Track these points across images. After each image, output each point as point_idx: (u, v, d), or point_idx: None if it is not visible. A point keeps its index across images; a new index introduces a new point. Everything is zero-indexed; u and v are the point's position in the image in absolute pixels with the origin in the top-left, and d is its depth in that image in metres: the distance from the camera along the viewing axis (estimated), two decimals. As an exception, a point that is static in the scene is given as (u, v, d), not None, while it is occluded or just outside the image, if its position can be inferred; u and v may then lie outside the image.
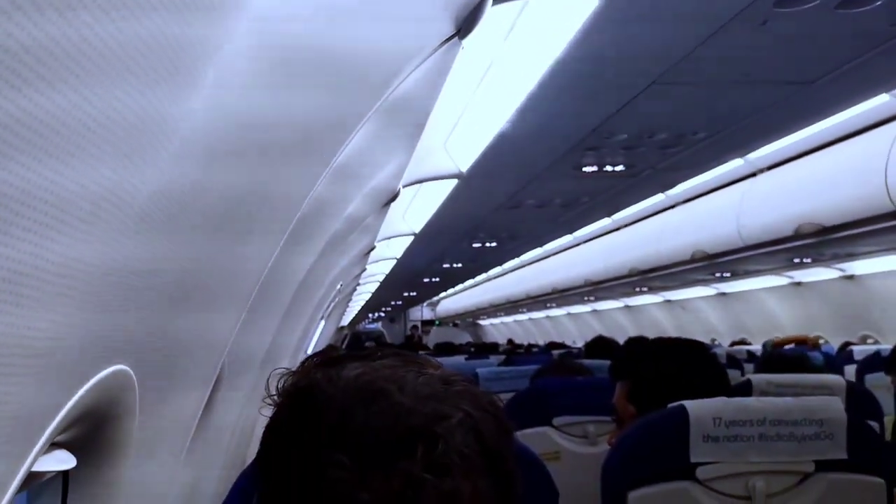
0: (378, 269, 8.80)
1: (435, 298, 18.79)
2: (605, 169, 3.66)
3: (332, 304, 6.15)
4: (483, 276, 12.12)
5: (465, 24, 1.35)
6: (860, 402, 2.62)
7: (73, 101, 0.51)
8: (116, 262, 0.73)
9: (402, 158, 2.33)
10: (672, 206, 6.37)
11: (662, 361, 1.68)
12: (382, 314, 22.41)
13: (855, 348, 5.99)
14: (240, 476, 0.91)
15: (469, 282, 13.25)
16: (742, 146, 3.60)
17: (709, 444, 1.42)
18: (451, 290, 15.37)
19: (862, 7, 1.86)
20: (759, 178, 5.16)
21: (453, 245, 6.84)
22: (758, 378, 2.33)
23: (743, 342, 8.42)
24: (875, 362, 4.06)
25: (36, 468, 0.77)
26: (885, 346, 4.95)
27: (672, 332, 10.12)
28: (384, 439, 0.61)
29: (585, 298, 11.67)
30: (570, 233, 7.15)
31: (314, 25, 1.00)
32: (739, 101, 2.67)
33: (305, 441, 0.63)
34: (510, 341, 14.03)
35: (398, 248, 6.98)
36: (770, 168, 5.01)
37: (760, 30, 1.99)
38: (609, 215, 6.04)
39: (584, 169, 3.69)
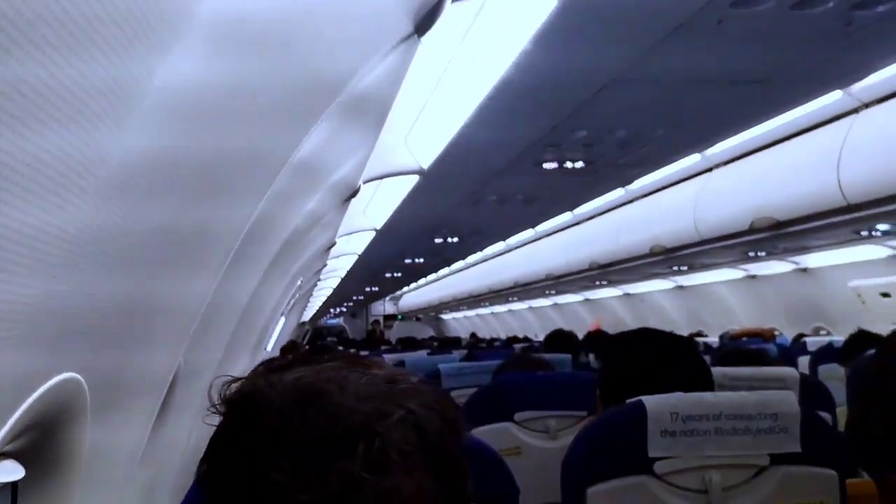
0: (339, 265, 8.75)
1: (398, 293, 18.75)
2: (565, 166, 3.69)
3: (293, 301, 6.10)
4: (446, 270, 12.13)
5: (424, 22, 1.34)
6: (813, 393, 2.68)
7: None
8: (60, 281, 0.71)
9: (363, 154, 2.32)
10: (631, 201, 6.45)
11: (632, 355, 1.68)
12: (344, 309, 22.31)
13: (808, 340, 6.14)
14: (191, 488, 0.89)
15: (432, 276, 13.25)
16: (700, 143, 3.66)
17: (666, 438, 1.44)
18: (413, 285, 15.35)
19: (816, 8, 1.89)
20: (715, 173, 5.25)
21: (415, 240, 6.83)
22: (714, 371, 2.37)
23: (700, 334, 8.58)
24: (828, 353, 4.15)
25: (-17, 479, 0.75)
26: (838, 338, 5.07)
27: (632, 325, 10.25)
28: (323, 440, 0.61)
29: (547, 292, 11.77)
30: (532, 227, 7.19)
31: (271, 20, 0.99)
32: (697, 99, 2.70)
33: (246, 447, 0.63)
34: (473, 335, 14.08)
35: (359, 243, 6.94)
36: (726, 163, 5.10)
37: (716, 29, 2.02)
38: (570, 210, 6.09)
39: (545, 166, 3.71)
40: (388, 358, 3.67)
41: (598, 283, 9.63)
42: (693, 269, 7.80)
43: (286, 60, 1.10)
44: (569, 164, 3.65)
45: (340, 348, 7.18)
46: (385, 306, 22.57)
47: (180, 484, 2.02)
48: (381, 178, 3.69)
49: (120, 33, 0.59)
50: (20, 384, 0.77)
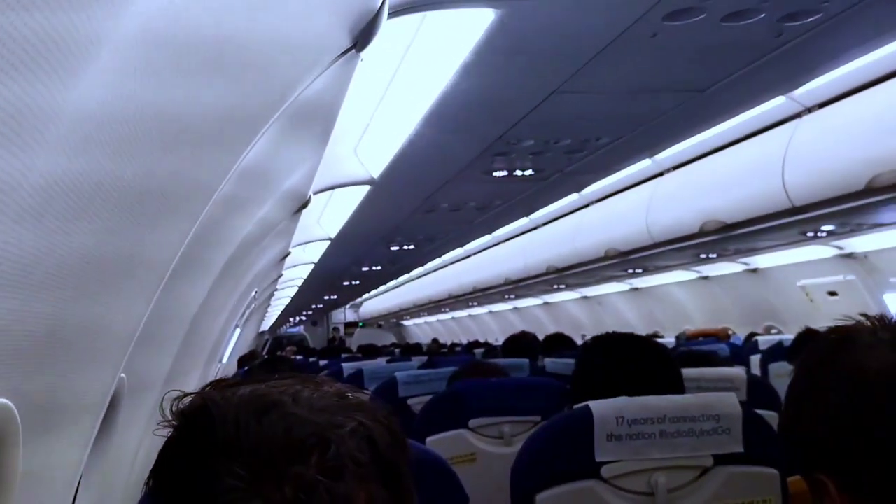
0: (296, 274, 8.68)
1: (358, 300, 18.65)
2: (514, 174, 3.72)
3: (248, 311, 6.02)
4: (406, 276, 12.11)
5: (362, 38, 1.35)
6: (760, 393, 2.74)
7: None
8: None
9: (312, 164, 2.31)
10: (586, 206, 6.52)
11: (602, 359, 1.70)
12: (304, 318, 22.11)
13: (760, 339, 6.27)
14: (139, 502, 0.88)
15: (392, 283, 13.22)
16: (645, 149, 3.73)
17: (612, 442, 1.45)
18: (373, 292, 15.29)
19: (746, 20, 1.94)
20: (666, 177, 5.33)
21: (371, 248, 6.81)
22: (664, 375, 2.40)
23: (656, 335, 8.70)
24: (778, 352, 4.24)
25: None
26: (788, 336, 5.19)
27: (589, 327, 10.38)
28: (278, 448, 0.61)
29: (506, 297, 11.83)
30: (489, 233, 7.22)
31: (209, 38, 0.98)
32: (637, 108, 2.75)
33: (200, 455, 0.63)
34: (434, 340, 14.08)
35: (315, 252, 6.89)
36: (676, 168, 5.19)
37: (651, 42, 2.06)
38: (524, 216, 6.13)
39: (495, 174, 3.74)
40: (347, 366, 3.65)
41: (555, 286, 9.71)
42: (647, 271, 7.92)
43: (225, 74, 1.09)
44: (518, 172, 3.69)
45: (300, 357, 7.11)
46: (346, 314, 22.42)
47: (129, 502, 1.98)
48: (332, 188, 3.67)
49: (34, 53, 0.58)
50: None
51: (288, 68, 1.26)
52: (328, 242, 5.97)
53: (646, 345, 1.74)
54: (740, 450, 1.47)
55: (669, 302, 9.10)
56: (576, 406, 1.50)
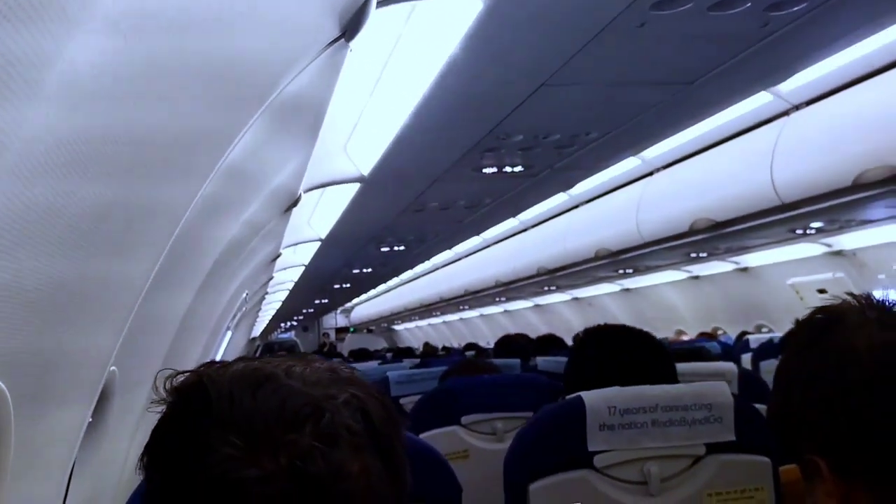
0: (286, 277, 8.66)
1: (348, 305, 18.63)
2: (504, 170, 3.73)
3: (239, 314, 6.00)
4: (396, 280, 12.10)
5: (351, 26, 1.34)
6: (752, 387, 2.75)
7: None
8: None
9: (301, 161, 2.30)
10: (576, 206, 6.53)
11: (594, 350, 1.71)
12: (295, 323, 22.05)
13: (751, 337, 6.29)
14: (140, 483, 0.87)
15: (382, 287, 13.20)
16: (634, 145, 3.74)
17: (605, 432, 1.45)
18: (364, 296, 15.27)
19: (733, 9, 1.95)
20: (656, 176, 5.35)
21: (361, 250, 6.80)
22: (655, 370, 2.40)
23: (648, 335, 8.69)
24: (769, 349, 4.25)
25: None
26: (779, 334, 5.21)
27: (581, 329, 10.37)
28: (272, 418, 0.62)
29: (497, 299, 11.83)
30: (477, 234, 7.23)
31: (187, 27, 0.97)
32: (626, 101, 2.76)
33: (194, 428, 0.63)
34: (426, 345, 14.06)
35: (305, 254, 6.88)
36: (666, 167, 5.21)
37: (639, 32, 2.07)
38: (513, 216, 6.14)
39: (484, 170, 3.75)
40: (338, 369, 3.63)
41: (546, 288, 9.72)
42: (638, 271, 7.94)
43: (206, 65, 1.08)
44: (508, 169, 3.70)
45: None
46: (337, 319, 22.39)
47: (123, 496, 1.96)
48: (322, 186, 3.67)
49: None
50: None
51: (274, 58, 1.25)
52: (319, 243, 5.96)
53: (639, 336, 1.75)
54: (732, 438, 1.47)
55: (660, 302, 9.13)
56: (568, 396, 1.50)
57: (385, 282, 11.63)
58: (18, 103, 0.65)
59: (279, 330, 22.13)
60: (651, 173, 5.37)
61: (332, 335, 22.15)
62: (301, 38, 1.28)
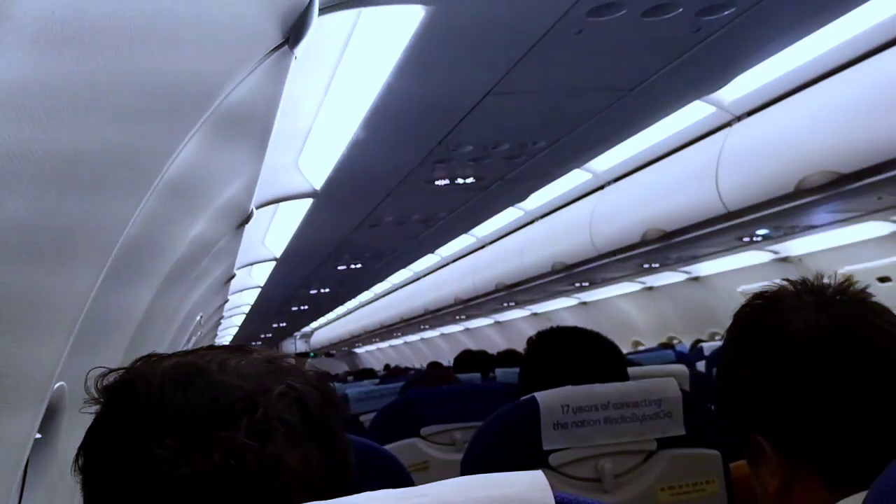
0: (243, 300, 8.54)
1: (308, 329, 18.43)
2: (456, 182, 3.77)
3: (194, 338, 5.90)
4: (355, 302, 12.03)
5: (294, 33, 1.35)
6: (703, 387, 2.80)
7: None
8: None
9: (250, 176, 2.28)
10: (531, 222, 6.61)
11: (545, 352, 1.72)
12: (253, 349, 21.68)
13: (704, 345, 6.40)
14: None
15: (342, 310, 13.11)
16: (581, 154, 3.81)
17: (559, 430, 1.46)
18: (323, 320, 15.13)
19: (665, 15, 2.00)
20: (607, 190, 5.45)
21: (318, 268, 6.76)
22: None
23: (605, 348, 8.76)
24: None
25: None
26: (731, 341, 5.27)
27: (540, 344, 10.41)
28: (204, 415, 0.61)
29: (457, 317, 11.84)
30: (434, 250, 7.24)
31: (123, 36, 0.95)
32: (570, 108, 2.82)
33: (127, 428, 0.62)
34: (387, 366, 13.99)
35: (261, 275, 6.81)
36: (616, 180, 5.31)
37: (577, 39, 2.11)
38: (469, 230, 6.18)
39: (437, 182, 3.78)
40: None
41: (505, 304, 9.77)
42: (594, 284, 8.03)
43: (143, 73, 1.06)
44: (460, 180, 3.74)
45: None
46: (296, 345, 22.11)
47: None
48: (274, 201, 3.64)
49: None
50: None
51: (213, 66, 1.24)
52: (274, 263, 5.91)
53: (591, 338, 1.77)
54: (682, 433, 1.49)
55: (616, 314, 9.24)
56: (522, 398, 1.51)
57: (344, 302, 11.55)
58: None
59: (237, 357, 21.73)
60: (602, 187, 5.47)
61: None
62: (242, 45, 1.27)
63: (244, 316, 10.43)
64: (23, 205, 0.92)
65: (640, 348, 8.27)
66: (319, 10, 1.35)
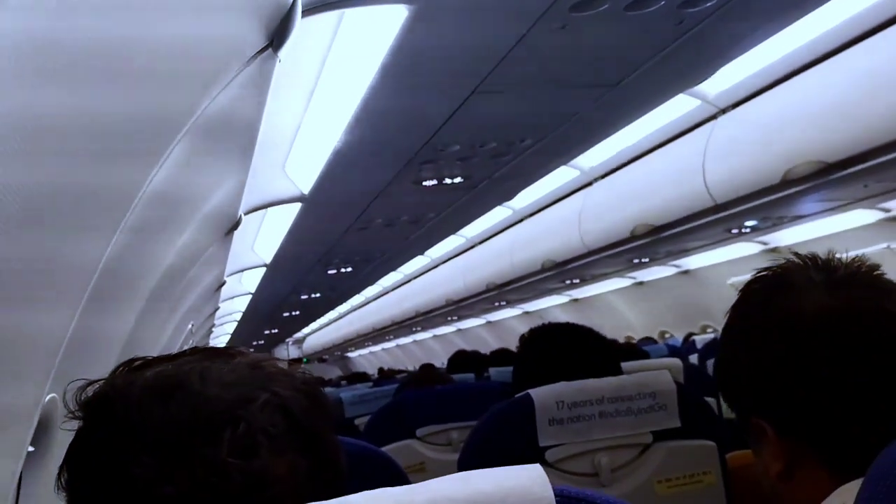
0: (234, 307, 8.52)
1: (300, 335, 18.39)
2: (444, 182, 3.77)
3: (187, 347, 5.86)
4: (347, 306, 12.01)
5: (277, 36, 1.34)
6: (698, 381, 2.81)
7: None
8: None
9: (237, 182, 2.27)
10: (520, 221, 6.62)
11: (537, 348, 1.72)
12: (246, 357, 21.60)
13: (697, 338, 6.42)
14: None
15: (333, 314, 13.09)
16: (568, 151, 3.82)
17: (554, 427, 1.46)
18: (315, 325, 15.10)
19: (648, 8, 2.01)
20: (595, 186, 5.46)
21: (308, 273, 6.74)
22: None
23: (598, 344, 8.78)
24: (714, 348, 4.32)
25: None
26: (723, 333, 5.29)
27: (533, 343, 10.44)
28: (186, 431, 0.59)
29: (449, 318, 11.84)
30: (423, 252, 7.24)
31: (103, 42, 0.94)
32: (555, 105, 2.82)
33: (106, 447, 0.60)
34: (381, 370, 13.97)
35: (252, 282, 6.79)
36: (604, 176, 5.32)
37: (561, 34, 2.12)
38: (458, 230, 6.18)
39: (425, 183, 3.77)
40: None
41: (496, 303, 9.77)
42: (585, 281, 8.04)
43: (126, 80, 1.05)
44: (448, 180, 3.74)
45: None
46: (289, 350, 22.04)
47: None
48: (262, 207, 3.63)
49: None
50: None
51: (197, 71, 1.23)
52: (264, 269, 5.89)
53: (583, 333, 1.77)
54: (677, 425, 1.49)
55: (608, 310, 9.26)
56: (516, 395, 1.51)
57: (335, 307, 11.53)
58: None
59: (230, 365, 21.65)
60: (590, 183, 5.48)
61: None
62: (225, 51, 1.26)
63: (236, 323, 10.39)
64: (1, 239, 0.90)
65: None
66: (303, 11, 1.34)
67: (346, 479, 0.68)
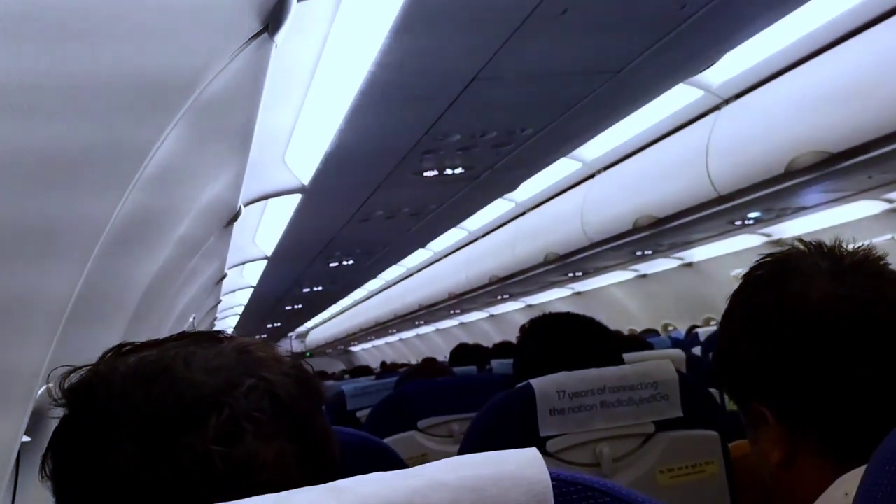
0: (236, 301, 8.52)
1: (303, 329, 18.44)
2: (445, 172, 3.75)
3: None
4: (350, 300, 12.03)
5: (273, 19, 1.32)
6: (700, 371, 2.79)
7: None
8: None
9: (236, 172, 2.25)
10: (522, 213, 6.60)
11: (539, 338, 1.71)
12: (249, 352, 21.67)
13: (700, 330, 6.40)
14: None
15: (336, 308, 13.10)
16: (570, 140, 3.79)
17: (555, 417, 1.45)
18: (318, 319, 15.13)
19: (650, -9, 1.99)
20: (598, 178, 5.44)
21: (310, 266, 6.74)
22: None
23: (601, 337, 8.78)
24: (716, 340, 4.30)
25: None
26: (726, 325, 5.29)
27: (536, 336, 10.44)
28: (169, 417, 0.58)
29: (451, 312, 11.84)
30: (425, 244, 7.23)
31: (94, 27, 0.92)
32: (557, 93, 2.80)
33: (89, 434, 0.59)
34: (384, 363, 14.00)
35: (253, 275, 6.79)
36: (606, 168, 5.30)
37: (562, 20, 2.09)
38: (459, 222, 6.17)
39: (426, 174, 3.76)
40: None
41: (499, 297, 9.77)
42: (587, 273, 8.03)
43: (116, 64, 1.03)
44: (448, 171, 3.72)
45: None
46: (292, 345, 22.09)
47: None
48: (262, 198, 3.62)
49: None
50: None
51: (191, 56, 1.21)
52: (265, 262, 5.88)
53: (584, 322, 1.76)
54: (680, 414, 1.48)
55: (611, 303, 9.25)
56: (517, 385, 1.49)
57: (337, 300, 11.54)
58: None
59: (233, 359, 21.73)
60: (593, 175, 5.46)
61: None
62: (219, 34, 1.24)
63: (238, 317, 10.41)
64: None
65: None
66: (298, -6, 1.33)
67: (338, 464, 0.66)
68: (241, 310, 9.49)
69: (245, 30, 1.29)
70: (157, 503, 0.56)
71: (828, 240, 0.91)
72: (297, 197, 3.83)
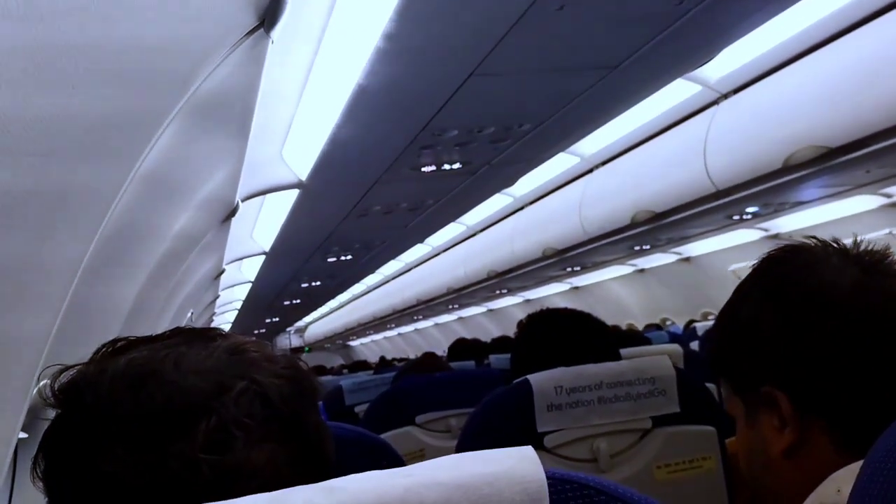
0: (234, 296, 8.52)
1: (302, 324, 18.43)
2: (443, 168, 3.75)
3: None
4: (348, 294, 12.03)
5: (269, 15, 1.32)
6: (697, 366, 2.79)
7: None
8: None
9: (233, 167, 2.25)
10: (521, 208, 6.60)
11: (536, 333, 1.72)
12: (247, 345, 21.68)
13: (698, 325, 6.41)
14: None
15: (335, 303, 13.10)
16: (568, 136, 3.79)
17: (553, 412, 1.45)
18: (317, 314, 15.12)
19: (647, -14, 1.98)
20: (596, 173, 5.44)
21: (308, 261, 6.73)
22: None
23: (599, 331, 8.79)
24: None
25: None
26: (724, 320, 5.30)
27: (534, 330, 10.46)
28: (157, 423, 0.57)
29: (450, 307, 11.85)
30: (423, 240, 7.23)
31: (91, 19, 0.92)
32: (555, 88, 2.79)
33: (78, 437, 0.59)
34: (382, 358, 14.01)
35: (251, 270, 6.79)
36: (604, 163, 5.30)
37: (560, 15, 2.08)
38: (458, 217, 6.17)
39: (423, 169, 3.76)
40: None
41: (497, 291, 9.77)
42: (585, 268, 8.03)
43: (113, 58, 1.03)
44: (446, 166, 3.72)
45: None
46: (291, 339, 22.10)
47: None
48: (259, 193, 3.62)
49: None
50: None
51: (186, 51, 1.21)
52: (263, 257, 5.88)
53: (581, 318, 1.76)
54: (677, 410, 1.48)
55: (609, 298, 9.26)
56: (514, 381, 1.50)
57: (335, 295, 11.54)
58: None
59: (231, 353, 21.73)
60: (591, 170, 5.46)
61: (287, 355, 21.87)
62: (215, 29, 1.24)
63: (236, 312, 10.40)
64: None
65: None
66: (294, -10, 1.32)
67: (333, 462, 0.66)
68: (239, 305, 9.49)
69: (241, 25, 1.29)
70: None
71: (828, 237, 0.91)
72: (295, 192, 3.83)
